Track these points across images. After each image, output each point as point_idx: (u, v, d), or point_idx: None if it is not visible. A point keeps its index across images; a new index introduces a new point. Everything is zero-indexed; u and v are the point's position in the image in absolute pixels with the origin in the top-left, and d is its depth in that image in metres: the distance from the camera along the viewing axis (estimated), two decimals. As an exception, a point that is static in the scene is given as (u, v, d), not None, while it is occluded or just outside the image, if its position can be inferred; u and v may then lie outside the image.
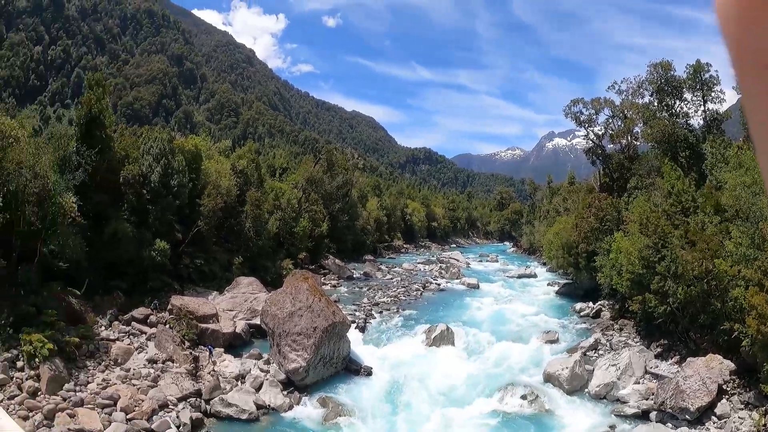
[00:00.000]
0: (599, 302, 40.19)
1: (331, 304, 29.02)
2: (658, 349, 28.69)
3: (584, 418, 23.27)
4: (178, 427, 20.23)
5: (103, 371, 23.00)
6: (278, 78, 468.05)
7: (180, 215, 38.18)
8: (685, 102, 44.57)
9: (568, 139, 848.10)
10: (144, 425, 19.79)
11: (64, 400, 20.04)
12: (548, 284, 55.64)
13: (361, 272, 60.50)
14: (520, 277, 63.37)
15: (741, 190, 26.47)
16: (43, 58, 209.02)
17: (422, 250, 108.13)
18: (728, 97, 44.92)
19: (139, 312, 29.55)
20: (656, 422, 22.05)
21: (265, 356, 27.26)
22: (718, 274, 24.91)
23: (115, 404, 20.51)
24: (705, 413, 21.39)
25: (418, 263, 75.21)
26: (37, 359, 20.92)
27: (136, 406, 20.62)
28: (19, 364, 20.86)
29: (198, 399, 22.37)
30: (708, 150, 37.57)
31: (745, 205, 25.77)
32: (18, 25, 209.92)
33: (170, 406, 21.40)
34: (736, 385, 22.40)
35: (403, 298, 46.25)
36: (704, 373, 22.26)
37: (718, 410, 21.31)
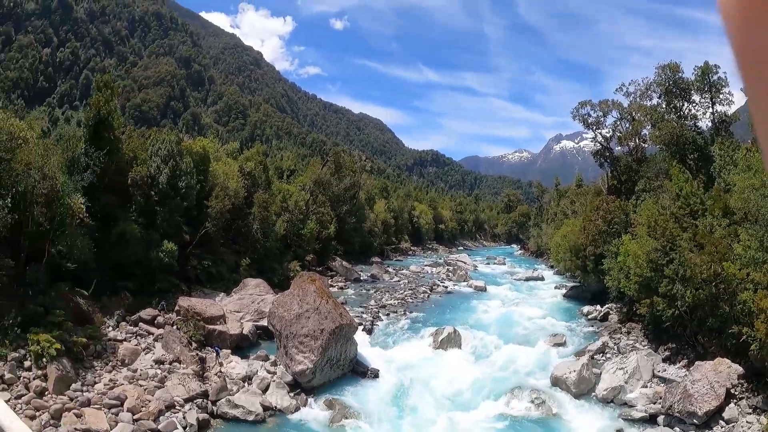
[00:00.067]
0: (607, 305, 40.06)
1: (339, 306, 28.99)
2: (666, 353, 28.55)
3: (592, 421, 23.16)
4: (184, 427, 20.24)
5: (110, 371, 23.06)
6: (286, 80, 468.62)
7: (188, 217, 38.25)
8: (693, 104, 44.48)
9: (576, 141, 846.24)
10: (151, 426, 19.80)
11: (71, 399, 20.08)
12: (556, 287, 55.53)
13: (369, 274, 60.49)
14: (527, 279, 63.24)
15: (750, 192, 26.36)
16: (52, 60, 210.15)
17: (429, 252, 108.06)
18: (737, 99, 44.82)
19: (147, 313, 29.62)
20: (664, 426, 21.94)
21: (272, 358, 27.26)
22: (726, 277, 24.79)
23: (121, 404, 20.54)
24: (713, 417, 21.26)
25: (426, 265, 75.14)
26: (44, 359, 20.99)
27: (142, 407, 20.66)
28: (27, 363, 20.93)
29: (205, 400, 22.37)
30: (716, 152, 37.45)
31: (754, 207, 25.65)
32: (27, 28, 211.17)
33: (177, 407, 21.42)
34: (744, 389, 22.26)
35: (410, 300, 46.20)
36: (712, 377, 22.15)
37: (726, 414, 21.19)
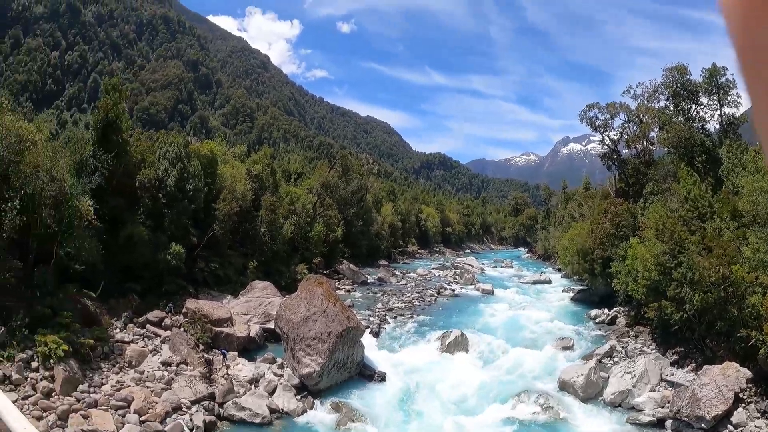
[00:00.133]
0: (615, 309, 39.89)
1: (346, 309, 28.97)
2: (674, 357, 28.40)
3: (599, 426, 23.04)
4: (191, 429, 20.26)
5: (117, 373, 23.11)
6: (293, 83, 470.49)
7: (195, 219, 38.36)
8: (701, 106, 44.37)
9: (583, 144, 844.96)
10: (157, 427, 19.83)
11: (78, 401, 20.13)
12: (563, 290, 55.34)
13: (376, 277, 60.43)
14: (534, 283, 63.05)
15: (758, 195, 26.28)
16: (60, 63, 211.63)
17: (437, 255, 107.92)
18: (745, 101, 44.56)
19: (154, 315, 29.69)
20: (672, 431, 21.82)
21: (279, 360, 27.25)
22: (735, 280, 24.66)
23: (128, 406, 20.57)
24: (721, 422, 21.12)
25: (433, 269, 75.07)
26: (51, 360, 21.06)
27: (149, 409, 20.69)
28: (34, 364, 20.99)
29: (211, 402, 22.38)
30: (724, 154, 37.34)
31: (763, 210, 25.58)
32: (35, 31, 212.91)
33: (184, 409, 21.44)
34: (752, 393, 22.13)
35: (418, 303, 46.13)
36: (720, 381, 22.01)
37: (734, 419, 21.05)
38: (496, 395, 25.44)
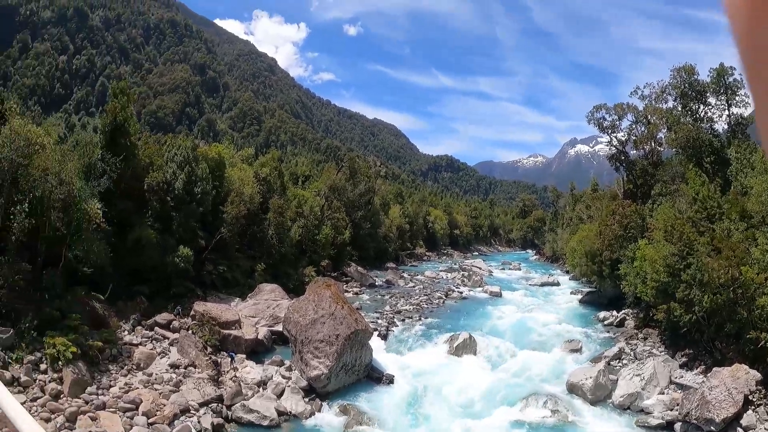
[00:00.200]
0: (623, 311, 39.70)
1: (354, 311, 28.97)
2: (683, 359, 28.24)
3: (608, 428, 22.95)
4: (199, 432, 20.32)
5: (125, 375, 23.20)
6: (300, 86, 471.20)
7: (203, 222, 38.44)
8: (709, 106, 44.17)
9: (591, 145, 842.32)
10: (165, 429, 19.88)
11: (87, 403, 20.22)
12: (571, 293, 55.14)
13: (384, 280, 60.38)
14: (543, 285, 62.88)
15: (767, 195, 26.11)
16: (68, 67, 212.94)
17: (444, 257, 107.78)
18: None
19: (162, 317, 29.78)
20: (681, 433, 21.71)
21: (287, 363, 27.27)
22: (744, 282, 24.53)
23: (136, 408, 20.64)
24: (730, 424, 20.99)
25: (441, 271, 74.97)
26: (60, 362, 21.15)
27: (157, 411, 20.75)
28: (43, 366, 21.10)
29: (219, 404, 22.43)
30: (733, 155, 37.16)
31: (773, 211, 25.42)
32: (43, 35, 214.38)
33: (192, 411, 21.49)
34: (762, 395, 21.97)
35: (426, 306, 46.05)
36: (730, 383, 21.87)
37: (743, 421, 20.91)
38: (505, 398, 25.36)
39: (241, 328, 29.99)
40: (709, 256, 26.48)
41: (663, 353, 30.08)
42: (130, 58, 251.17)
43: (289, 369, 26.57)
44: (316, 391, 24.91)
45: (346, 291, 47.64)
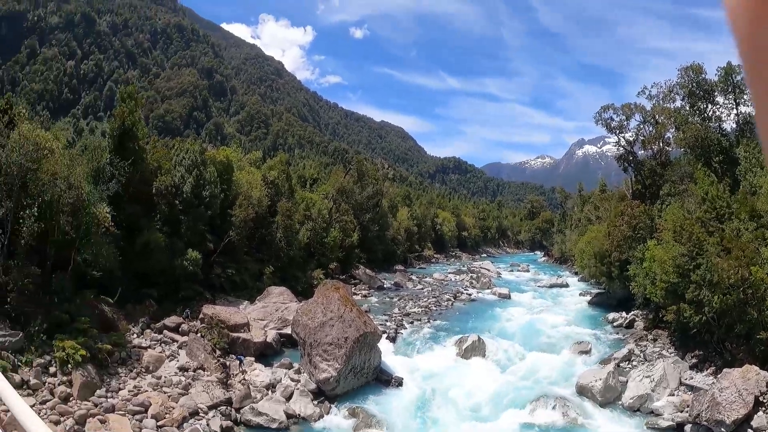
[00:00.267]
0: (632, 312, 39.51)
1: (362, 314, 28.95)
2: (693, 360, 28.07)
3: (618, 430, 22.83)
4: (208, 435, 20.34)
5: (134, 378, 23.26)
6: (307, 89, 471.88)
7: (212, 225, 38.54)
8: (717, 106, 43.92)
9: (598, 146, 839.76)
10: (175, 433, 19.93)
11: (96, 405, 20.26)
12: (580, 294, 55.00)
13: (392, 282, 60.33)
14: (551, 286, 62.66)
15: (777, 195, 25.98)
16: (76, 72, 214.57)
17: (453, 259, 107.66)
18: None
19: (171, 320, 29.85)
20: (692, 434, 21.59)
21: (296, 366, 27.26)
22: (754, 282, 24.39)
23: (145, 411, 20.68)
24: (741, 426, 20.83)
25: (449, 273, 74.83)
26: (69, 365, 21.22)
27: (166, 414, 20.78)
28: (52, 369, 21.18)
29: (228, 407, 22.44)
30: (742, 154, 36.96)
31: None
32: (51, 41, 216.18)
33: (201, 414, 21.51)
34: (774, 396, 21.83)
35: (434, 308, 45.96)
36: (740, 384, 21.72)
37: (754, 423, 20.76)
38: (513, 401, 25.25)
39: (249, 331, 30.02)
40: (719, 257, 26.34)
41: (673, 354, 29.92)
42: (137, 62, 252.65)
43: (298, 372, 26.56)
44: (324, 394, 24.90)
45: (355, 293, 47.61)
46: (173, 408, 21.29)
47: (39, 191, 24.10)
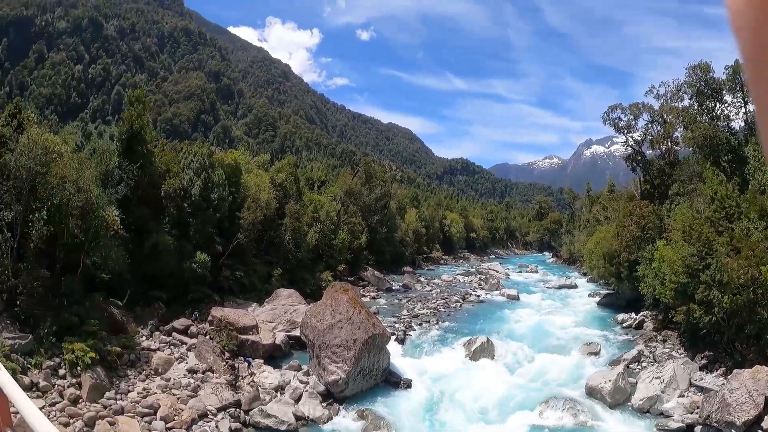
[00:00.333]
0: (642, 313, 39.32)
1: (371, 316, 28.92)
2: (703, 361, 27.91)
3: None
4: (217, 437, 20.38)
5: (143, 380, 23.34)
6: (314, 92, 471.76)
7: (220, 228, 38.64)
8: (726, 104, 43.67)
9: (606, 146, 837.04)
10: (184, 435, 19.98)
11: (105, 407, 20.35)
12: (589, 295, 54.81)
13: (400, 284, 60.35)
14: (560, 287, 62.49)
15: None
16: (84, 76, 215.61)
17: (461, 261, 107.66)
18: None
19: (180, 323, 29.94)
20: (703, 436, 21.46)
21: (305, 368, 27.28)
22: (764, 282, 24.25)
23: (155, 413, 20.74)
24: (751, 427, 20.68)
25: (457, 274, 74.81)
26: (78, 367, 21.32)
27: (175, 416, 20.83)
28: (61, 371, 21.29)
29: (237, 409, 22.49)
30: (751, 153, 36.71)
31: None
32: (59, 45, 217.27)
33: (210, 416, 21.56)
34: (784, 397, 21.67)
35: (443, 309, 45.94)
36: (751, 385, 21.58)
37: (764, 424, 20.60)
38: (522, 403, 25.16)
39: (258, 333, 30.06)
40: (729, 256, 26.20)
41: (682, 355, 29.77)
42: (145, 66, 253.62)
43: (307, 374, 26.58)
44: (333, 396, 24.91)
45: (363, 295, 47.60)
46: (182, 410, 21.35)
47: (48, 195, 24.23)
